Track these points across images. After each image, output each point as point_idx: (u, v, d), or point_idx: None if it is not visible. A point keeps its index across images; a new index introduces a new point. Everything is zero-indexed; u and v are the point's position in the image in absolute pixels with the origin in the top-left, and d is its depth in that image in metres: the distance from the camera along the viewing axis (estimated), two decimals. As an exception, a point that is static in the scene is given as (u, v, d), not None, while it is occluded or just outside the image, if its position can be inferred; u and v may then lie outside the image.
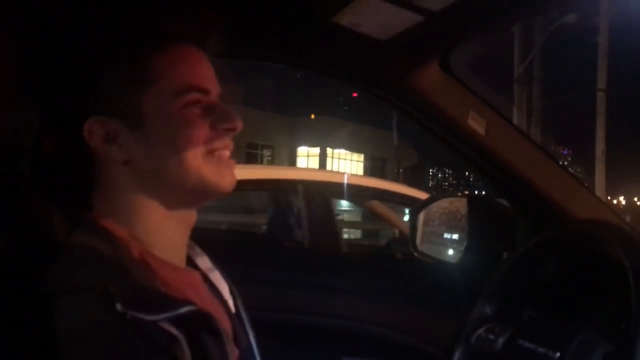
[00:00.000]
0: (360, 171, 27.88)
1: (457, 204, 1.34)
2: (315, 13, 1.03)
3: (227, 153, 0.78)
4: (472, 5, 0.93)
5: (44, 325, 0.60)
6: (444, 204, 1.38)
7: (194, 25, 0.77)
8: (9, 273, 0.67)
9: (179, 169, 0.73)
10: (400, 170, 29.11)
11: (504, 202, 1.28)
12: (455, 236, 1.35)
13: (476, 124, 1.14)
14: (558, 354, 0.89)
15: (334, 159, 26.87)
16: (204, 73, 0.78)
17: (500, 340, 1.06)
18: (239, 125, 0.77)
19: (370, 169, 27.97)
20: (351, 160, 27.72)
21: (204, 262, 0.90)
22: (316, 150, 26.21)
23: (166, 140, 0.73)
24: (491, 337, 1.09)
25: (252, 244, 2.58)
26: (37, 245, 0.70)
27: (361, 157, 28.07)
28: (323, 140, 25.48)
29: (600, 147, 13.65)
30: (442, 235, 1.38)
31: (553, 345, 0.90)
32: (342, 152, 27.14)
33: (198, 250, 0.91)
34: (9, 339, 0.63)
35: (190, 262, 0.87)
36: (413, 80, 1.13)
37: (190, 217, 0.81)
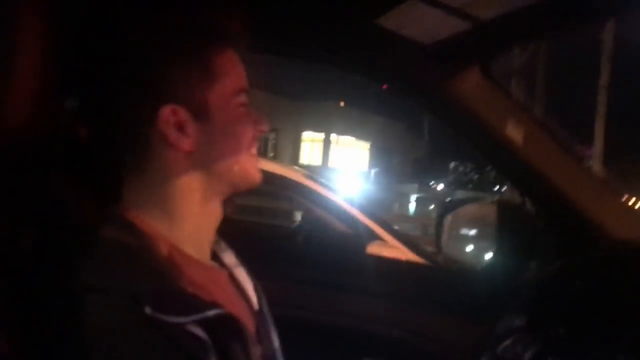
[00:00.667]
0: (366, 159, 27.84)
1: (486, 209, 1.34)
2: (360, 14, 1.04)
3: (256, 151, 0.85)
4: (523, 16, 0.93)
5: (71, 321, 0.62)
6: (472, 208, 1.38)
7: (238, 27, 0.81)
8: (37, 265, 0.68)
9: (234, 162, 0.81)
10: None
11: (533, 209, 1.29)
12: (482, 241, 1.36)
13: (514, 133, 1.14)
14: None
15: (338, 145, 26.80)
16: (245, 75, 0.83)
17: (528, 354, 1.07)
18: (268, 127, 0.85)
19: (377, 158, 27.91)
20: (356, 147, 27.66)
21: (229, 257, 0.92)
22: (321, 136, 26.16)
23: (227, 136, 0.79)
24: (518, 350, 1.09)
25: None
26: (65, 237, 0.71)
27: (367, 145, 28.00)
28: (328, 125, 25.41)
29: (599, 146, 13.64)
30: (469, 239, 1.38)
31: None
32: (347, 139, 27.07)
33: (223, 245, 0.93)
34: (36, 332, 0.64)
35: (216, 258, 0.89)
36: (453, 85, 1.14)
37: (220, 210, 0.84)
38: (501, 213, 1.30)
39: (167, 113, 0.74)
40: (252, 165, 0.83)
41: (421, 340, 1.40)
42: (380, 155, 28.08)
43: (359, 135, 27.01)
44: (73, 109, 0.79)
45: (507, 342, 1.12)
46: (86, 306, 0.62)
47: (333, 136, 26.36)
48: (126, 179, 0.79)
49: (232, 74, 0.80)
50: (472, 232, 1.40)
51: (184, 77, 0.76)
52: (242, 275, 0.93)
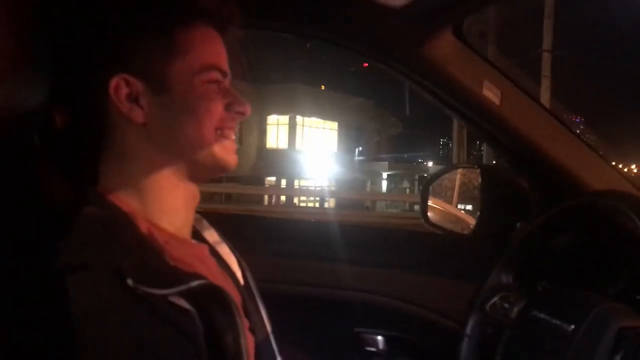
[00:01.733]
0: (335, 140, 27.87)
1: (470, 175, 1.38)
2: None
3: (232, 134, 0.84)
4: None
5: (56, 301, 0.63)
6: (456, 175, 1.42)
7: (221, 9, 0.83)
8: (19, 248, 0.69)
9: (194, 139, 0.80)
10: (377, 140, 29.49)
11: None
12: (468, 207, 1.40)
13: (491, 94, 1.17)
14: (572, 327, 0.91)
15: (305, 127, 26.75)
16: (224, 57, 0.84)
17: (515, 310, 1.11)
18: (249, 111, 0.85)
19: (345, 138, 27.95)
20: (324, 128, 27.64)
21: (211, 235, 0.95)
22: (286, 119, 26.08)
23: (186, 110, 0.79)
24: (506, 305, 1.14)
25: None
26: (46, 220, 0.72)
27: (335, 125, 28.00)
28: (293, 107, 25.32)
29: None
30: (455, 206, 1.42)
31: (567, 318, 0.93)
32: (314, 120, 27.03)
33: (205, 223, 0.95)
34: (22, 314, 0.65)
35: (198, 236, 0.91)
36: (427, 49, 1.15)
37: (196, 190, 0.86)
38: (484, 177, 1.34)
39: (117, 83, 0.76)
40: (222, 148, 0.82)
41: (411, 307, 1.43)
42: (349, 135, 28.14)
43: (326, 116, 26.98)
44: (50, 93, 0.81)
45: (495, 299, 1.17)
46: (70, 284, 0.63)
47: (298, 118, 26.29)
48: (102, 158, 0.81)
49: (199, 50, 0.80)
50: (467, 207, 1.44)
51: (142, 49, 0.77)
52: (226, 252, 0.95)
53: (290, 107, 25.33)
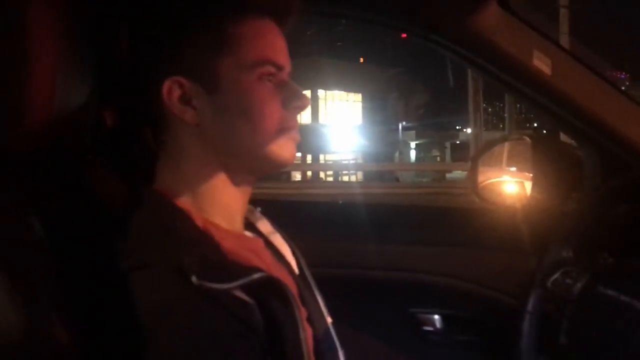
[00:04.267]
0: (359, 112, 27.74)
1: (521, 146, 1.35)
2: None
3: (294, 131, 0.82)
4: None
5: (124, 300, 0.64)
6: (506, 146, 1.40)
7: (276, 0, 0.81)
8: (79, 250, 0.70)
9: (250, 138, 0.78)
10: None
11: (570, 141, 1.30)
12: (520, 179, 1.37)
13: (541, 64, 1.14)
14: None
15: (327, 101, 26.65)
16: (280, 49, 0.82)
17: (578, 285, 1.09)
18: (307, 104, 0.83)
19: (370, 110, 27.78)
20: (347, 101, 27.51)
21: (264, 225, 0.95)
22: (308, 93, 26.06)
23: (240, 109, 0.77)
24: (568, 281, 1.12)
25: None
26: (105, 220, 0.73)
27: (359, 97, 27.84)
28: (314, 81, 25.21)
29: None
30: (505, 178, 1.40)
31: (638, 295, 0.91)
32: (336, 93, 26.90)
33: (258, 214, 0.95)
34: (93, 319, 0.67)
35: (251, 227, 0.92)
36: (472, 22, 1.13)
37: (249, 184, 0.85)
38: (535, 147, 1.31)
39: (171, 86, 0.76)
40: (280, 146, 0.80)
41: (466, 284, 1.43)
42: (374, 106, 27.96)
43: (349, 88, 26.83)
44: (98, 94, 0.81)
45: (556, 275, 1.15)
46: (137, 283, 0.65)
47: (320, 92, 26.20)
48: (156, 156, 0.81)
49: (251, 45, 0.78)
50: (519, 179, 1.41)
51: (194, 48, 0.77)
52: (279, 242, 0.95)
53: (312, 81, 25.26)
